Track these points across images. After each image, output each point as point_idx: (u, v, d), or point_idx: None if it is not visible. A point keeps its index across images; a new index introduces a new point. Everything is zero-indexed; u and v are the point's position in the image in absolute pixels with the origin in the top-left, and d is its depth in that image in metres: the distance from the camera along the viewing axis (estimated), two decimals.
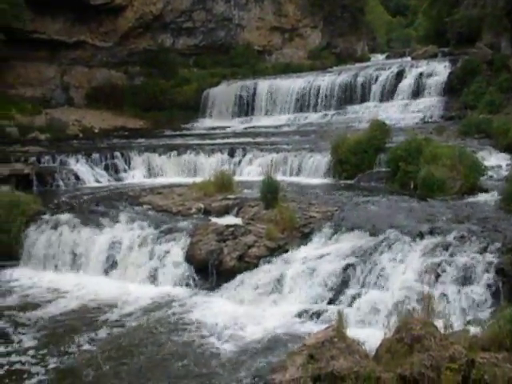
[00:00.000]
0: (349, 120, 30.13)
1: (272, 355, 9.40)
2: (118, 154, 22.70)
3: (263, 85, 35.22)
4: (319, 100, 33.20)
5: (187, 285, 12.86)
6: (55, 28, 34.73)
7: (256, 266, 12.26)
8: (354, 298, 10.79)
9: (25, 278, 13.91)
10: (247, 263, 12.39)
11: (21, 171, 19.89)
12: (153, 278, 13.16)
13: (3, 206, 15.25)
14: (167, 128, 34.07)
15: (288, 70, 40.02)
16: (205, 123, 35.53)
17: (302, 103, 33.61)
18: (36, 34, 33.50)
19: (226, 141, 25.90)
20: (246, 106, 35.40)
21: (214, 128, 33.35)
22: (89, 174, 21.61)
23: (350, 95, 32.55)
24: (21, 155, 22.14)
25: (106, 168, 22.12)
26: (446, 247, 10.94)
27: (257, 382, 8.54)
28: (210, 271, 12.74)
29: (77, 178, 21.16)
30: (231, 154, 21.91)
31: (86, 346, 10.01)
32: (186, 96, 36.81)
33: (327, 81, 33.64)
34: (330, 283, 11.26)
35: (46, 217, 15.51)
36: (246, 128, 32.53)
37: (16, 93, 34.22)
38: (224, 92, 36.45)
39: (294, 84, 34.43)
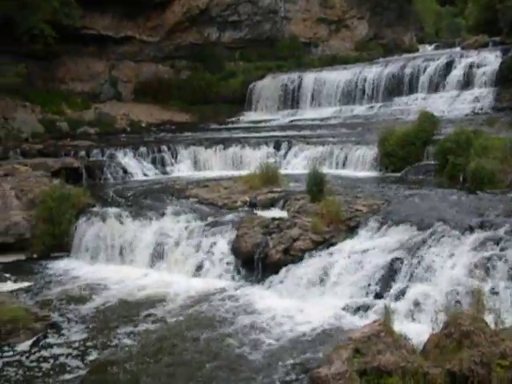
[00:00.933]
0: (396, 112, 29.65)
1: (317, 349, 9.37)
2: (164, 147, 22.94)
3: (309, 77, 34.99)
4: (366, 92, 32.77)
5: (233, 277, 12.95)
6: (104, 24, 35.29)
7: (301, 259, 12.24)
8: (401, 292, 10.64)
9: (74, 269, 14.25)
10: (292, 256, 12.37)
11: (71, 165, 20.33)
12: (199, 271, 13.30)
13: (54, 199, 15.64)
14: (213, 121, 34.24)
15: (334, 62, 39.61)
16: (250, 116, 35.56)
17: (349, 95, 33.23)
18: (85, 30, 34.11)
19: (271, 134, 25.87)
20: (291, 99, 35.26)
21: (259, 121, 33.34)
22: (136, 167, 21.91)
23: (398, 87, 32.01)
24: (71, 149, 22.68)
25: (153, 161, 22.38)
26: (497, 241, 10.66)
27: (301, 375, 8.53)
28: (256, 264, 12.77)
29: (125, 171, 21.48)
30: (277, 147, 21.87)
31: (128, 340, 10.11)
32: (231, 89, 36.90)
33: (374, 72, 33.17)
34: (377, 277, 11.14)
35: (95, 209, 15.85)
36: (291, 121, 32.41)
37: (66, 88, 34.96)
38: (269, 85, 36.39)
39: (340, 76, 34.08)
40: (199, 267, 13.35)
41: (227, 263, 13.15)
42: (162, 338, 10.16)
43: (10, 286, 12.98)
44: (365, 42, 44.49)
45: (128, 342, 10.05)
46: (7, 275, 13.74)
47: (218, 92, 36.95)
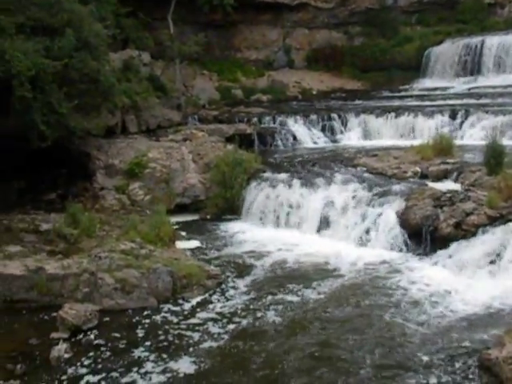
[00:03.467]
0: None
1: (486, 329, 8.90)
2: (334, 115, 22.84)
3: (492, 41, 32.58)
4: None
5: (399, 249, 12.65)
6: None
7: (474, 234, 11.58)
8: None
9: (243, 232, 14.80)
10: (464, 231, 11.76)
11: (244, 131, 21.02)
12: (364, 240, 13.17)
13: (228, 163, 16.33)
14: (385, 89, 33.36)
15: None
16: (425, 84, 34.07)
17: None
18: None
19: (447, 102, 24.60)
20: (471, 65, 33.16)
21: (434, 89, 31.83)
22: (306, 134, 22.09)
23: None
24: (244, 116, 23.44)
25: (323, 129, 22.41)
26: None
27: (469, 356, 8.15)
28: (424, 237, 12.35)
29: (294, 138, 21.77)
30: (452, 117, 20.78)
31: (285, 307, 10.17)
32: (406, 56, 35.59)
33: None
34: None
35: (266, 175, 16.29)
36: (469, 88, 30.52)
37: (242, 56, 36.05)
38: (447, 50, 34.50)
39: None
40: (365, 237, 13.21)
41: (394, 234, 12.86)
42: (319, 309, 10.10)
43: (185, 244, 13.83)
44: None
45: (285, 308, 10.11)
46: (183, 234, 14.67)
47: (391, 58, 35.83)
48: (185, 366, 8.35)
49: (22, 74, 12.71)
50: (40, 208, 14.78)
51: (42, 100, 13.46)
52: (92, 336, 9.18)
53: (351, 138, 21.99)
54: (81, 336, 9.20)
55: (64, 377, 8.10)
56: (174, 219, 15.03)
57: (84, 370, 8.26)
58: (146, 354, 8.73)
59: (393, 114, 21.97)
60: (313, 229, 14.23)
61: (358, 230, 13.39)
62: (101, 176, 16.61)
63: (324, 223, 14.13)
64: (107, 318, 9.84)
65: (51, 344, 8.92)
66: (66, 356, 8.61)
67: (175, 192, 16.25)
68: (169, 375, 8.12)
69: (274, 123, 22.58)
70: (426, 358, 8.25)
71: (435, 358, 8.24)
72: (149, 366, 8.38)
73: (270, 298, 10.63)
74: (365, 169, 16.20)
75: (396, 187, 14.05)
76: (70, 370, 8.25)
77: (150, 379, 8.03)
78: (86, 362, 8.48)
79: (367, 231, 13.24)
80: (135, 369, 8.29)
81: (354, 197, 14.06)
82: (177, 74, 26.93)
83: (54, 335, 9.24)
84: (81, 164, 16.91)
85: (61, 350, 8.69)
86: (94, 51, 15.33)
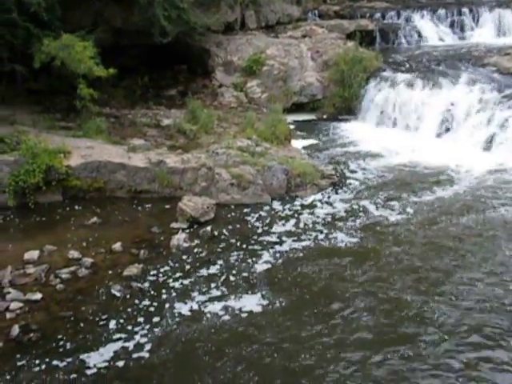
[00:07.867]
0: None
1: None
2: (465, 10, 21.16)
3: None
4: None
5: None
6: None
7: None
8: None
9: (359, 132, 14.50)
10: None
11: (365, 27, 20.05)
12: (489, 145, 12.52)
13: (347, 61, 15.85)
14: None
15: None
16: None
17: None
18: None
19: None
20: None
21: None
22: (432, 31, 20.74)
23: None
24: (367, 11, 22.27)
25: (451, 25, 20.91)
26: None
27: None
28: None
29: (419, 35, 20.53)
30: None
31: (394, 219, 9.80)
32: None
33: None
34: None
35: (386, 74, 15.66)
36: None
37: None
38: None
39: None
40: (489, 142, 12.53)
41: None
42: (430, 225, 9.51)
43: (300, 143, 13.83)
44: None
45: (392, 222, 9.72)
46: (299, 133, 14.63)
47: None
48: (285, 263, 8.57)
49: None
50: (161, 104, 15.22)
51: None
52: (208, 228, 9.57)
53: (482, 34, 20.40)
54: (198, 227, 9.65)
55: (182, 263, 8.62)
56: (291, 118, 14.97)
57: (200, 260, 8.73)
58: (256, 247, 9.04)
59: None
60: (433, 132, 13.69)
61: (482, 135, 12.72)
62: (219, 73, 16.72)
63: (445, 126, 13.54)
64: (223, 212, 10.22)
65: (171, 233, 9.47)
66: (185, 245, 9.12)
67: (292, 90, 16.07)
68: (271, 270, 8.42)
69: (398, 19, 21.33)
70: None
71: None
72: (257, 260, 8.66)
73: (379, 205, 10.36)
74: (495, 68, 15.11)
75: None
76: (188, 258, 8.75)
77: (255, 273, 8.33)
78: (202, 253, 8.93)
79: (492, 136, 12.53)
80: (245, 262, 8.64)
81: (480, 99, 13.25)
82: None
83: (174, 225, 9.78)
84: (200, 61, 17.07)
85: (180, 239, 9.20)
86: None
